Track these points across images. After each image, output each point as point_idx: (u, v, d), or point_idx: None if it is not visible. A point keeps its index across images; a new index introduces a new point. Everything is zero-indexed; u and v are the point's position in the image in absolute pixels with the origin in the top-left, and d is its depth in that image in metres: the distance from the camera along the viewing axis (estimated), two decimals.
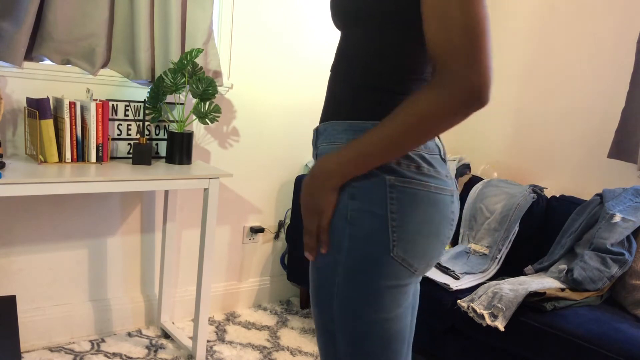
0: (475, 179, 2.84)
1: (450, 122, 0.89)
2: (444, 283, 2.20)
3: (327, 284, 0.99)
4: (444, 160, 1.02)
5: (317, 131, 1.07)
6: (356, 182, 0.96)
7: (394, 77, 0.97)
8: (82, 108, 2.04)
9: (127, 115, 2.23)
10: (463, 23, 0.84)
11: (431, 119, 0.88)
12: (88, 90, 2.08)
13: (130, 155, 2.24)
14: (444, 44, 0.86)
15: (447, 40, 0.85)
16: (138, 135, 2.26)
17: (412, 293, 1.14)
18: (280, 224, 2.93)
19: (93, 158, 2.07)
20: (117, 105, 2.20)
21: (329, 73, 1.09)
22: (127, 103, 2.22)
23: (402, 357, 1.03)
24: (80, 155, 2.06)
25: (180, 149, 2.23)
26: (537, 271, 2.37)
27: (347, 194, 0.96)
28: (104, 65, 2.19)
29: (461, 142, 3.39)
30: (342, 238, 0.96)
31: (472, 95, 0.85)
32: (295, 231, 2.77)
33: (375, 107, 0.97)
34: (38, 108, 1.94)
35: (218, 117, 2.30)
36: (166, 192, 2.42)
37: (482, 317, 1.99)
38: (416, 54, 0.96)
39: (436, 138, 1.02)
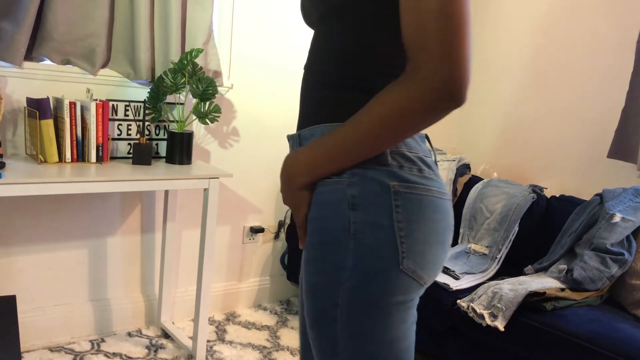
0: (475, 179, 2.84)
1: (422, 119, 0.83)
2: (444, 283, 2.20)
3: (328, 306, 0.90)
4: (436, 164, 0.97)
5: (299, 137, 0.98)
6: (355, 190, 0.88)
7: (378, 74, 0.90)
8: (82, 108, 2.04)
9: (127, 115, 2.23)
10: (440, 15, 0.78)
11: (402, 115, 0.82)
12: (88, 90, 2.08)
13: (130, 155, 2.24)
14: (418, 37, 0.80)
15: (422, 33, 0.80)
16: (138, 135, 2.26)
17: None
18: (280, 224, 2.93)
19: (93, 158, 2.07)
20: (117, 105, 2.20)
21: None
22: (127, 103, 2.22)
23: None
24: (80, 155, 2.06)
25: (180, 149, 2.23)
26: (537, 271, 2.37)
27: (347, 204, 0.88)
28: (104, 65, 2.19)
29: (461, 142, 3.39)
30: (345, 254, 0.87)
31: (445, 92, 0.80)
32: (295, 231, 2.77)
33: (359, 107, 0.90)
34: (38, 108, 1.94)
35: (218, 117, 2.30)
36: (166, 192, 2.42)
37: (482, 317, 1.99)
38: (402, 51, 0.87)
39: (427, 142, 0.98)
